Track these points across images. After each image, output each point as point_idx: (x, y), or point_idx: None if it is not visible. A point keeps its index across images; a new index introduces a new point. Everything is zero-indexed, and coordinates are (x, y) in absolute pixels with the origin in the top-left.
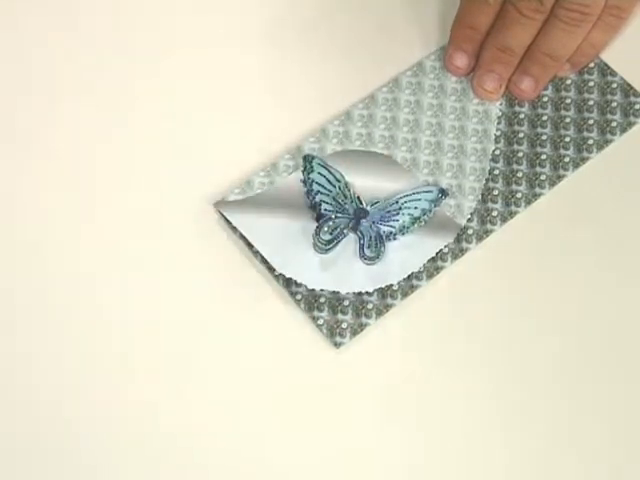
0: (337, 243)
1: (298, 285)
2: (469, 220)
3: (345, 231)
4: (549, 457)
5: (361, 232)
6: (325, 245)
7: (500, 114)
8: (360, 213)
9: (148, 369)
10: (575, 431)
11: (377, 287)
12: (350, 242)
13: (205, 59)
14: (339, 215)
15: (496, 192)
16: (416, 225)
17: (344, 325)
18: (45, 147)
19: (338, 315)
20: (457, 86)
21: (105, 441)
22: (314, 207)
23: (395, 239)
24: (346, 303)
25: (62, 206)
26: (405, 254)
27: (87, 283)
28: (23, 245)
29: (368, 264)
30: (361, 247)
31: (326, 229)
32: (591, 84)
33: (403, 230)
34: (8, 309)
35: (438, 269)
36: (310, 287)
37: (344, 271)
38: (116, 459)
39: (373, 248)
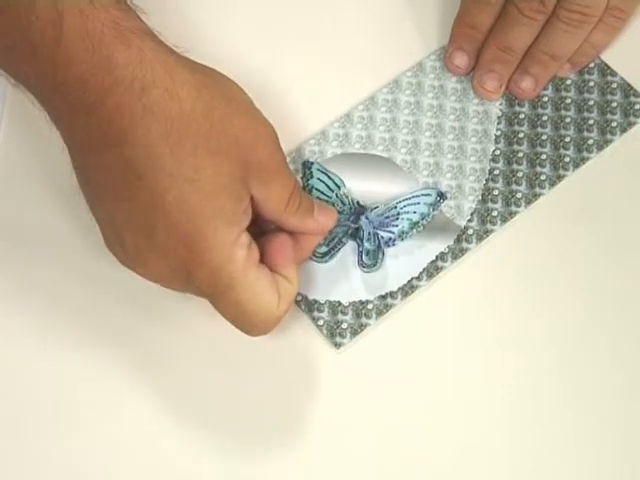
0: (335, 253)
1: None
2: (469, 220)
3: (344, 239)
4: (546, 457)
5: (360, 239)
6: (321, 257)
7: (500, 114)
8: (359, 210)
9: (145, 367)
10: (575, 432)
11: (377, 295)
12: (349, 251)
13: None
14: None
15: (496, 192)
16: (415, 230)
17: (344, 325)
18: None
19: (338, 316)
20: (457, 86)
21: None
22: None
23: (394, 245)
24: (346, 304)
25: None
26: (404, 260)
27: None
28: None
29: (367, 272)
30: (359, 255)
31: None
32: (591, 84)
33: (402, 235)
34: None
35: (438, 269)
36: (311, 297)
37: (343, 280)
38: None
39: (372, 256)
